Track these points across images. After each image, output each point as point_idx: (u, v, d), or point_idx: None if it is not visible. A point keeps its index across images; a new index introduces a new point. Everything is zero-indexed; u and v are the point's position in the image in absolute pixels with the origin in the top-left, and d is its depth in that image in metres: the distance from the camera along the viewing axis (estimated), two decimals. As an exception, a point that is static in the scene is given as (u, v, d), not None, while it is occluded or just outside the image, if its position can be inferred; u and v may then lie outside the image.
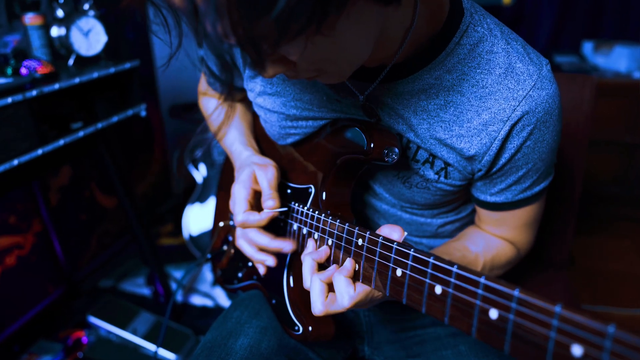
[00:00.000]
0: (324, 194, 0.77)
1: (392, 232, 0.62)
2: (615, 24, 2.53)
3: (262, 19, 0.40)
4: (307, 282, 0.67)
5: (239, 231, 0.83)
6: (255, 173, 0.80)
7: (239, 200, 0.78)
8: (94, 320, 1.77)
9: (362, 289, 0.63)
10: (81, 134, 1.34)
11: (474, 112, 0.67)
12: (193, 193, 2.18)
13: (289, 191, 0.84)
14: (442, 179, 0.74)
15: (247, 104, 1.06)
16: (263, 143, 0.95)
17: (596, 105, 1.08)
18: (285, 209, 0.81)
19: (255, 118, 1.01)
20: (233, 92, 0.97)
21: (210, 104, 1.04)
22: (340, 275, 0.63)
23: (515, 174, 0.72)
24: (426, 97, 0.68)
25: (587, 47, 2.47)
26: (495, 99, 0.66)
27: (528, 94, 0.65)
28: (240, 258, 0.94)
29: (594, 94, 1.07)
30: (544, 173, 0.74)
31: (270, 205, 0.75)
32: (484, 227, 0.84)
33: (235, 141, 0.93)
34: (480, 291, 0.48)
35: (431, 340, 0.85)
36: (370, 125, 0.72)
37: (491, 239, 0.82)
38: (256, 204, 0.79)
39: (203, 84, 1.03)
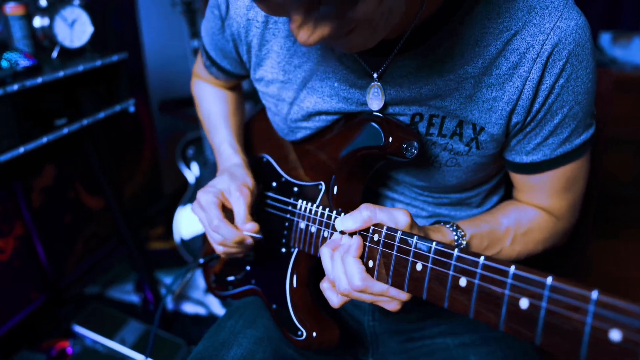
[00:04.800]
0: (335, 190, 0.77)
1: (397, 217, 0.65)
2: (635, 14, 2.52)
3: None
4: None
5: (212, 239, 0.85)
6: (231, 193, 0.82)
7: (210, 207, 0.80)
8: (79, 329, 1.77)
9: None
10: (66, 130, 1.34)
11: (502, 58, 0.68)
12: (185, 194, 2.18)
13: (295, 189, 0.84)
14: (473, 150, 0.74)
15: (239, 97, 1.06)
16: (267, 140, 0.95)
17: (614, 101, 1.08)
18: (260, 236, 0.82)
19: (256, 116, 1.01)
20: (230, 79, 0.97)
21: (204, 89, 1.04)
22: (349, 256, 0.65)
23: (551, 121, 0.71)
24: (451, 58, 0.69)
25: (605, 38, 2.46)
26: (522, 37, 0.66)
27: (556, 25, 0.65)
28: (236, 262, 0.93)
29: (612, 89, 1.07)
30: (582, 122, 0.73)
31: (249, 228, 0.79)
32: (520, 197, 0.83)
33: (224, 142, 0.95)
34: (509, 280, 0.49)
35: (440, 351, 0.85)
36: (387, 119, 0.72)
37: (526, 211, 0.81)
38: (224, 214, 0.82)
39: (199, 66, 1.03)
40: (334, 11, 0.50)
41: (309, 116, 0.80)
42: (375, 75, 0.72)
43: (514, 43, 0.67)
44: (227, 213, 0.83)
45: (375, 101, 0.74)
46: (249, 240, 0.81)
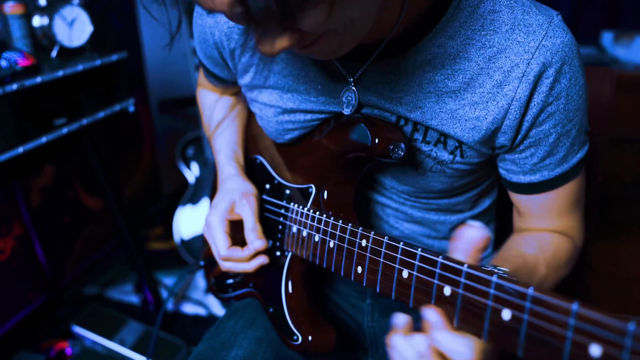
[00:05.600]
0: (325, 193, 0.77)
1: (473, 231, 0.53)
2: (637, 12, 2.52)
3: None
4: None
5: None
6: (235, 204, 0.84)
7: (218, 234, 0.82)
8: (78, 330, 1.77)
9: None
10: (65, 130, 1.34)
11: (485, 75, 0.67)
12: (185, 194, 2.18)
13: (287, 192, 0.84)
14: (457, 158, 0.73)
15: (243, 100, 1.06)
16: (260, 142, 0.95)
17: (616, 100, 1.08)
18: (270, 243, 0.84)
19: (251, 116, 1.01)
20: (228, 86, 0.97)
21: (207, 97, 1.04)
22: (442, 331, 0.53)
23: (545, 140, 0.70)
24: (431, 68, 0.68)
25: (607, 37, 2.46)
26: (506, 56, 0.65)
27: (541, 44, 0.64)
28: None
29: (614, 88, 1.07)
30: (577, 139, 0.72)
31: (258, 246, 0.79)
32: (527, 223, 0.80)
33: (221, 150, 0.95)
34: (492, 291, 0.48)
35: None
36: (374, 120, 0.72)
37: (542, 236, 0.78)
38: (233, 234, 0.83)
39: (202, 75, 1.03)
40: (275, 28, 0.49)
41: (292, 119, 0.80)
42: (351, 79, 0.72)
43: (498, 61, 0.66)
44: (236, 229, 0.84)
45: (348, 106, 0.74)
46: (258, 261, 0.81)
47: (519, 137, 0.70)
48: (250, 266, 0.81)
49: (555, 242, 0.77)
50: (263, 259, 0.81)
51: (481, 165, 0.77)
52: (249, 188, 0.86)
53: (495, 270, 0.51)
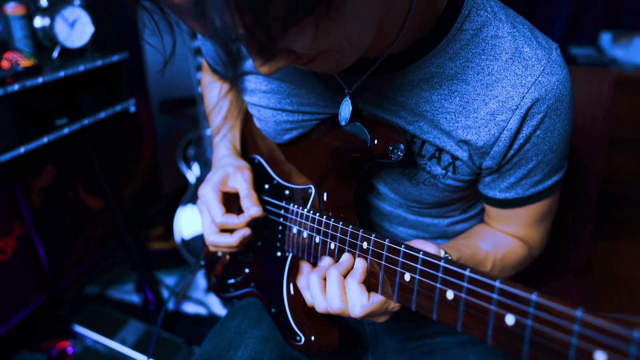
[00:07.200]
0: (325, 194, 0.77)
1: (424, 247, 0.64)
2: (635, 13, 2.53)
3: (270, 1, 0.41)
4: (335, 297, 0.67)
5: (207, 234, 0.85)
6: (228, 176, 0.84)
7: (212, 203, 0.82)
8: (79, 329, 1.77)
9: (376, 300, 0.64)
10: (66, 130, 1.34)
11: (480, 102, 0.67)
12: (185, 194, 2.18)
13: (287, 192, 0.84)
14: (450, 174, 0.74)
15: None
16: (259, 142, 0.95)
17: (615, 101, 1.08)
18: (265, 214, 0.84)
19: (249, 114, 1.02)
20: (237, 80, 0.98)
21: (207, 79, 1.05)
22: (354, 281, 0.65)
23: (525, 166, 0.72)
24: (429, 87, 0.69)
25: (605, 38, 2.46)
26: (503, 86, 0.66)
27: (537, 80, 0.65)
28: (236, 264, 0.94)
29: (613, 89, 1.07)
30: (555, 166, 0.74)
31: (254, 212, 0.80)
32: (493, 224, 0.84)
33: (218, 133, 0.96)
34: (495, 296, 0.48)
35: (440, 350, 0.85)
36: (373, 121, 0.72)
37: (502, 237, 0.83)
38: (227, 205, 0.83)
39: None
40: (258, 49, 0.48)
41: (291, 119, 0.80)
42: (347, 91, 0.72)
43: (494, 90, 0.66)
44: (230, 202, 0.84)
45: (344, 115, 0.74)
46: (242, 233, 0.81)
47: (504, 161, 0.72)
48: (241, 220, 0.80)
49: (510, 245, 0.82)
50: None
51: (471, 183, 0.78)
52: (242, 163, 0.87)
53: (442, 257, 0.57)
